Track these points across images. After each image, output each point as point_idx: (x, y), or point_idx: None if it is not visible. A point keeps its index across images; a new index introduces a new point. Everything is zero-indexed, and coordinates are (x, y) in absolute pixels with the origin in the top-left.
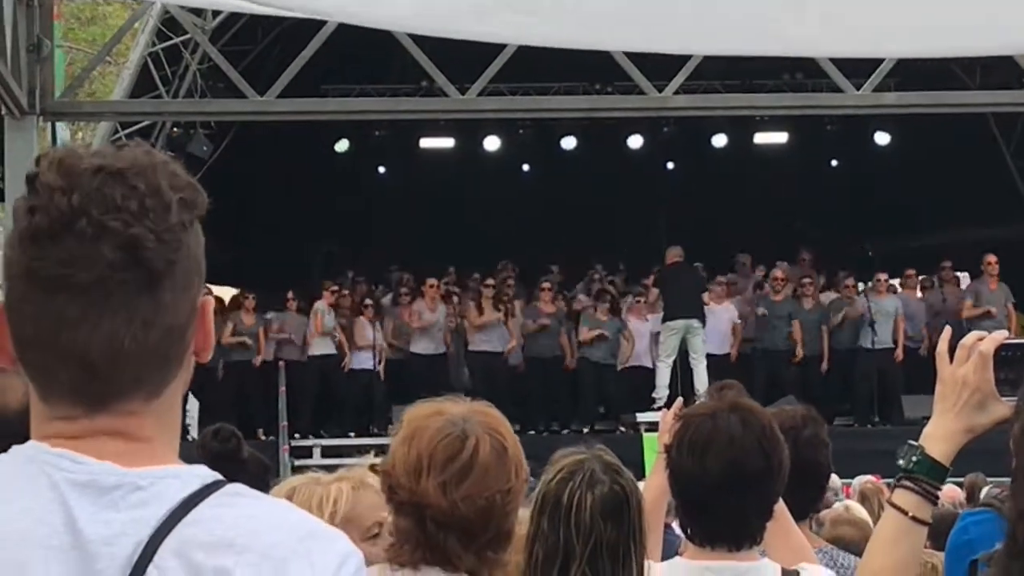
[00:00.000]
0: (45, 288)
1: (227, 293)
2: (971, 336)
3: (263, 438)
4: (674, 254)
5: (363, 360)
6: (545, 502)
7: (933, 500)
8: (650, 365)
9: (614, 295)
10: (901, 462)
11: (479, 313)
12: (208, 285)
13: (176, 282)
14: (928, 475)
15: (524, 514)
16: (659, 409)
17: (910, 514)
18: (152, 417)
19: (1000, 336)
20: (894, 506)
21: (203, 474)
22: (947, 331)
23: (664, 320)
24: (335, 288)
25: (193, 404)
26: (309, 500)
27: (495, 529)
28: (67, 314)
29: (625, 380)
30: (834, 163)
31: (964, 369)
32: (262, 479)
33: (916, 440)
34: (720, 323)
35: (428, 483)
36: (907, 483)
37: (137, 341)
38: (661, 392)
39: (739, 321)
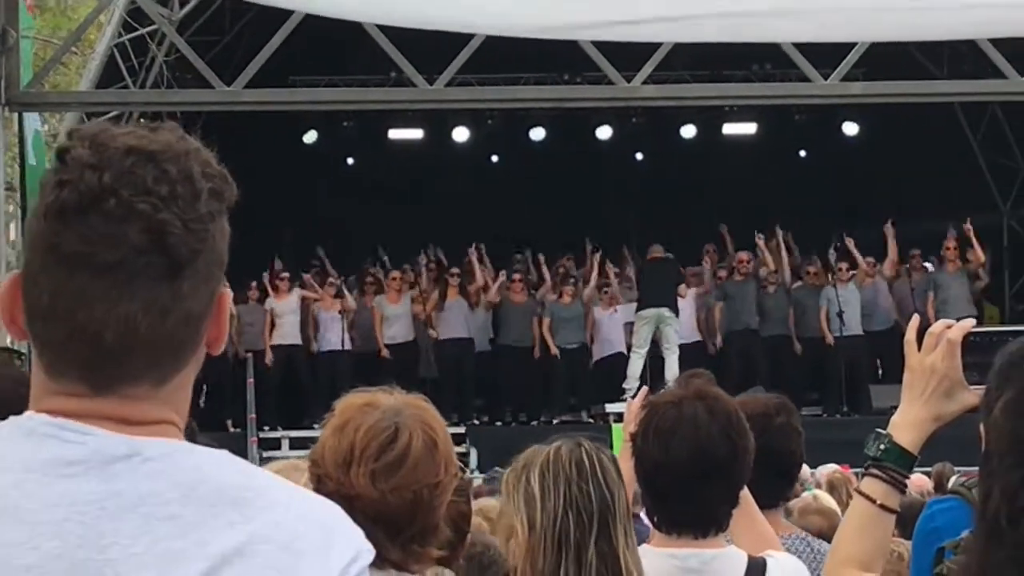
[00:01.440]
0: (67, 264)
1: None
2: (939, 324)
3: (232, 430)
4: (655, 251)
5: (330, 347)
6: (561, 467)
7: (901, 488)
8: (625, 352)
9: (576, 279)
10: (869, 450)
11: (443, 299)
12: None
13: (198, 272)
14: (896, 463)
15: (486, 503)
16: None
17: (878, 502)
18: (157, 403)
19: (968, 324)
20: (862, 494)
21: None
22: (915, 319)
23: (637, 310)
24: (286, 275)
25: None
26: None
27: (422, 522)
28: (87, 292)
29: (599, 369)
30: (803, 153)
31: (932, 357)
32: None
33: (884, 428)
34: (685, 314)
35: (358, 474)
36: (875, 471)
37: (153, 327)
38: (631, 383)
39: (700, 306)
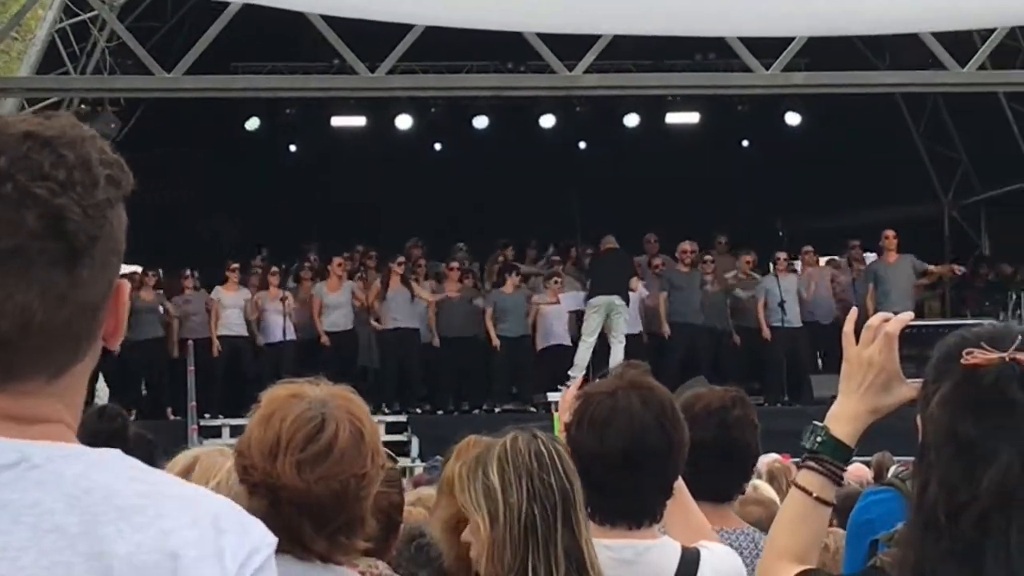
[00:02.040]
0: None
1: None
2: (877, 317)
3: (172, 418)
4: (607, 242)
5: (273, 338)
6: (516, 458)
7: (837, 481)
8: (568, 343)
9: (518, 269)
10: (806, 443)
11: (385, 289)
12: None
13: (96, 259)
14: (833, 455)
15: (425, 492)
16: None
17: (814, 494)
18: (50, 399)
19: (906, 317)
20: (798, 487)
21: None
22: (853, 312)
23: (588, 298)
24: (235, 266)
25: (103, 390)
26: (208, 471)
27: (348, 514)
28: None
29: (542, 359)
30: (745, 143)
31: (869, 350)
32: (148, 459)
33: (821, 420)
34: (632, 306)
35: (284, 464)
36: (811, 463)
37: (49, 316)
38: (577, 371)
39: (646, 294)
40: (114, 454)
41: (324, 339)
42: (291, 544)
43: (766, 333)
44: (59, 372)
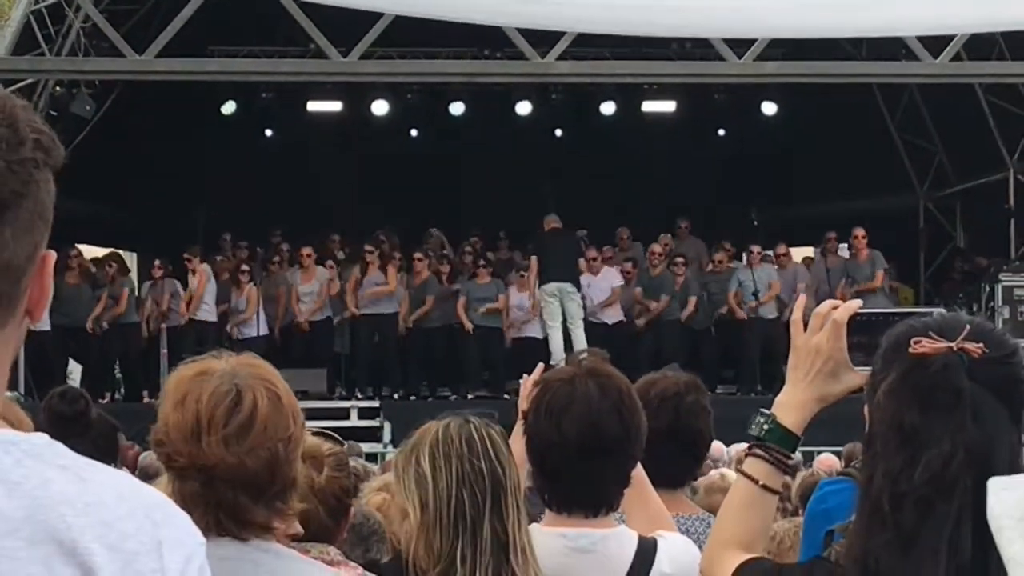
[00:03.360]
0: None
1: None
2: (825, 304)
3: (147, 400)
4: (551, 221)
5: (249, 335)
6: (452, 445)
7: (784, 469)
8: (538, 335)
9: (490, 260)
10: (752, 431)
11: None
12: (88, 245)
13: (19, 219)
14: (779, 444)
15: (391, 478)
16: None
17: (760, 482)
18: None
19: (854, 305)
20: (744, 474)
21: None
22: (801, 299)
23: (540, 285)
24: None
25: (76, 368)
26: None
27: (281, 480)
28: None
29: (515, 347)
30: (721, 132)
31: (817, 338)
32: (111, 440)
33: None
34: (601, 292)
35: (210, 443)
36: (758, 451)
37: None
38: (557, 358)
39: (619, 284)
40: (42, 440)
41: (304, 324)
42: (230, 520)
43: (740, 315)
44: None
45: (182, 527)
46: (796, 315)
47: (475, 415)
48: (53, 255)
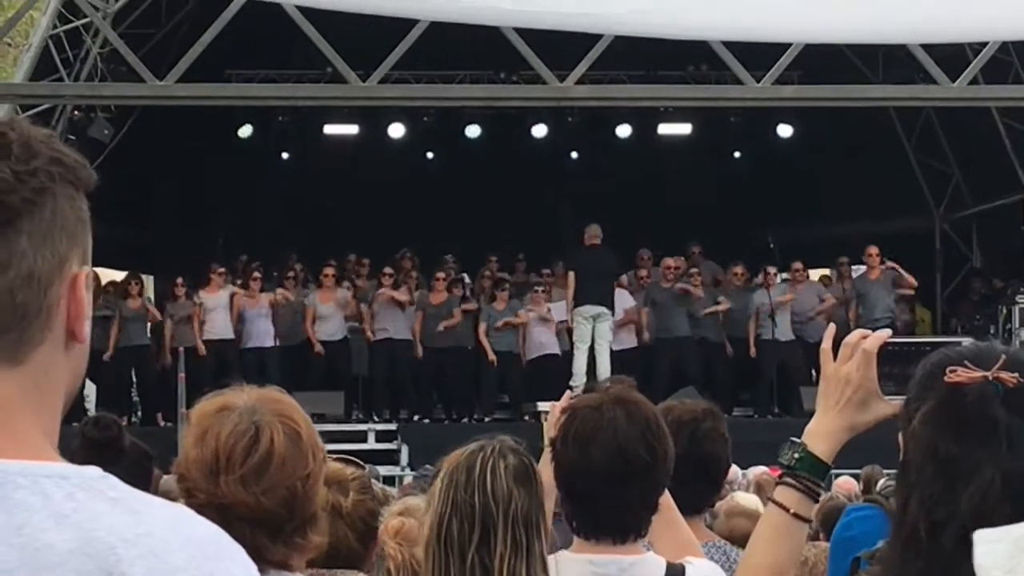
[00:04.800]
0: None
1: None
2: (855, 334)
3: (162, 424)
4: (592, 235)
5: (259, 343)
6: (455, 474)
7: (815, 497)
8: (558, 352)
9: (509, 282)
10: (783, 459)
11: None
12: (107, 268)
13: (35, 228)
14: (810, 472)
15: (411, 502)
16: (573, 397)
17: (791, 511)
18: (13, 386)
19: (884, 335)
20: (775, 503)
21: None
22: (831, 328)
23: (576, 306)
24: (222, 270)
25: (90, 388)
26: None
27: (300, 516)
28: None
29: (532, 370)
30: (737, 154)
31: (847, 367)
32: (144, 468)
33: (799, 437)
34: (618, 318)
35: (227, 482)
36: (789, 480)
37: None
38: (578, 380)
39: (631, 306)
40: (95, 473)
41: (318, 348)
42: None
43: (752, 351)
44: (15, 355)
45: (236, 560)
46: (825, 345)
47: (502, 442)
48: (84, 273)
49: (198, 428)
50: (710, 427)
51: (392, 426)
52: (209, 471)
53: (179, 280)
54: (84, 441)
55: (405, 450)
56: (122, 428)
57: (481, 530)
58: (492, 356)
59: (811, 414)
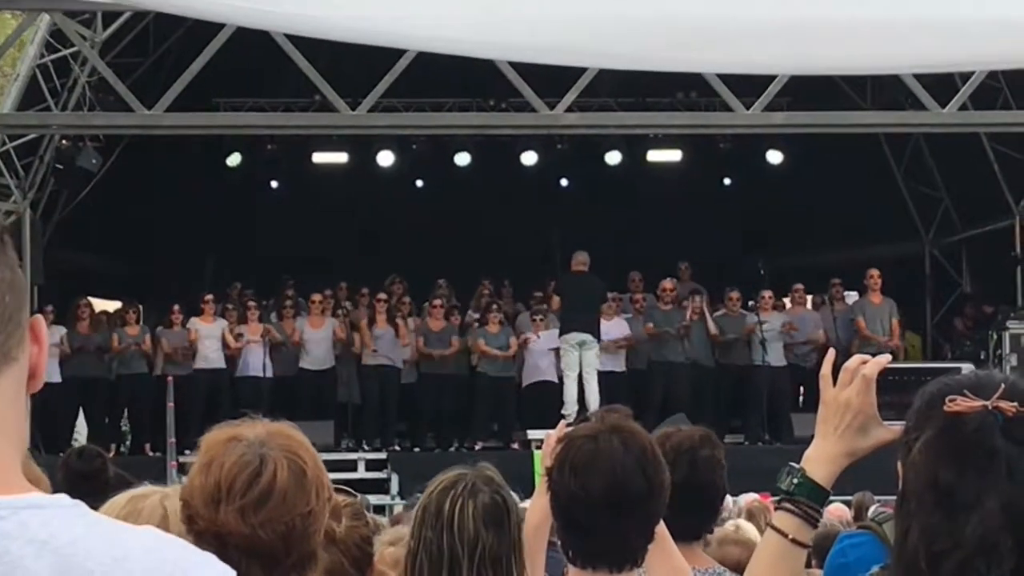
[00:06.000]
0: None
1: (114, 307)
2: (855, 359)
3: (151, 454)
4: (579, 261)
5: (253, 371)
6: (427, 512)
7: (813, 523)
8: (554, 379)
9: (503, 307)
10: (782, 484)
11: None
12: (95, 298)
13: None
14: (809, 497)
15: (403, 531)
16: (569, 426)
17: (790, 536)
18: None
19: (884, 360)
20: (774, 528)
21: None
22: (831, 353)
23: (561, 333)
24: (208, 297)
25: (83, 428)
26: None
27: (298, 553)
28: None
29: (527, 396)
30: (727, 181)
31: (847, 392)
32: None
33: (798, 461)
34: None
35: (226, 511)
36: (788, 505)
37: None
38: (570, 408)
39: (628, 334)
40: (64, 500)
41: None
42: None
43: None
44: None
45: (212, 571)
46: (825, 370)
47: (478, 474)
48: (40, 318)
49: (205, 456)
50: (708, 454)
51: (382, 455)
52: (211, 499)
53: (175, 307)
54: (68, 472)
55: (395, 479)
56: (106, 460)
57: (448, 570)
58: (489, 352)
59: (802, 440)
